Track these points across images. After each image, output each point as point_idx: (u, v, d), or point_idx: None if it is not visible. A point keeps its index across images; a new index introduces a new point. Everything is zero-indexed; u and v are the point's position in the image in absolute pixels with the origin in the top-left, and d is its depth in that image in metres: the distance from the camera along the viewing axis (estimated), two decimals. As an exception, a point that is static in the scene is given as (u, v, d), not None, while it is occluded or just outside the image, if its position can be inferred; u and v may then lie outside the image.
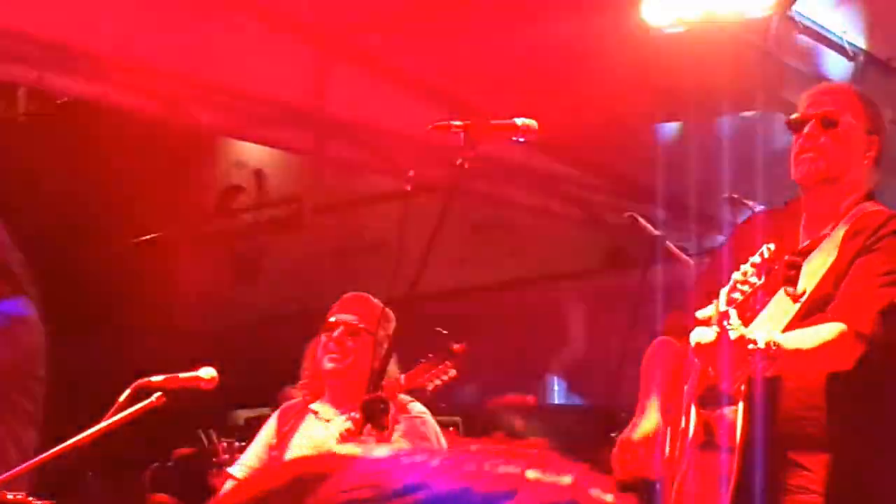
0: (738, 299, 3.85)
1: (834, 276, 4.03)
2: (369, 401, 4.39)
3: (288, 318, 9.52)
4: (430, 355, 4.96)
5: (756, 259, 3.86)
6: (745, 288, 3.85)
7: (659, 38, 6.69)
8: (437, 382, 4.96)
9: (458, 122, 4.35)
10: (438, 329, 5.00)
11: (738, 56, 7.05)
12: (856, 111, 4.27)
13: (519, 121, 4.34)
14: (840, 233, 4.16)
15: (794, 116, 4.30)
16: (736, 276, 3.89)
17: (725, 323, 3.79)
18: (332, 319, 5.28)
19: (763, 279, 3.81)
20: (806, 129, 4.22)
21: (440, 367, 4.93)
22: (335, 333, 5.23)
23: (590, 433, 4.94)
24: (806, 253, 4.17)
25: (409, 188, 4.89)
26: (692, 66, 7.13)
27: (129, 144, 10.21)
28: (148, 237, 14.30)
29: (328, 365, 5.19)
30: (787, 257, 4.04)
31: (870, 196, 4.27)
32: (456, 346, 4.92)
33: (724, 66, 6.94)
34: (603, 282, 10.21)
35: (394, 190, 9.20)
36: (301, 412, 5.30)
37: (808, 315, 3.97)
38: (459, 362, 4.93)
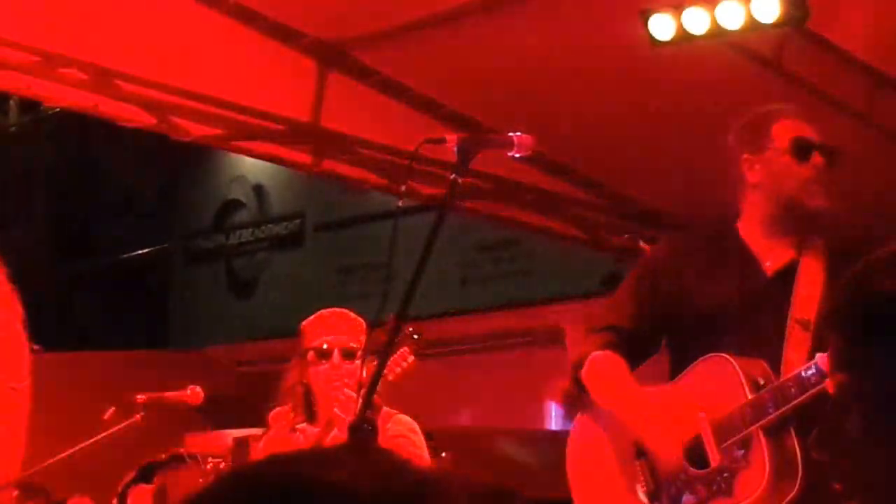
0: None
1: None
2: (357, 424, 4.23)
3: (283, 336, 9.34)
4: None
5: None
6: None
7: (665, 53, 6.55)
8: (398, 370, 4.81)
9: (451, 136, 4.18)
10: (393, 315, 4.85)
11: (746, 71, 6.92)
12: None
13: (515, 135, 4.18)
14: (817, 252, 4.13)
15: (800, 136, 4.15)
16: None
17: None
18: (324, 345, 5.09)
19: None
20: (814, 160, 4.14)
21: (398, 354, 4.77)
22: (333, 359, 5.05)
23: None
24: (781, 278, 4.10)
25: (400, 203, 4.74)
26: (699, 81, 7.02)
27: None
28: (143, 251, 14.22)
29: (342, 396, 4.99)
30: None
31: None
32: (412, 331, 4.77)
33: (732, 81, 6.81)
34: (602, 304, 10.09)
35: (401, 207, 9.05)
36: (286, 434, 5.15)
37: (820, 344, 3.88)
38: (418, 348, 4.77)
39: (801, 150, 4.13)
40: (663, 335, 4.33)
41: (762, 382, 3.96)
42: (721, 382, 4.03)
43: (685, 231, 4.45)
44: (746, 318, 4.10)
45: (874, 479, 1.71)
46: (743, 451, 3.96)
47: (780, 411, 3.88)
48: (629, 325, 4.32)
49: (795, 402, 3.83)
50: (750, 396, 3.96)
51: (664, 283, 4.26)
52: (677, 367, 4.26)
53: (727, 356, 4.02)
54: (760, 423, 3.92)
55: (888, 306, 1.70)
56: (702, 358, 4.12)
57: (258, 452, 5.28)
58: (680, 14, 6.39)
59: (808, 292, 4.05)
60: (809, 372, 3.80)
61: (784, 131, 4.17)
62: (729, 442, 4.00)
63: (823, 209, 4.14)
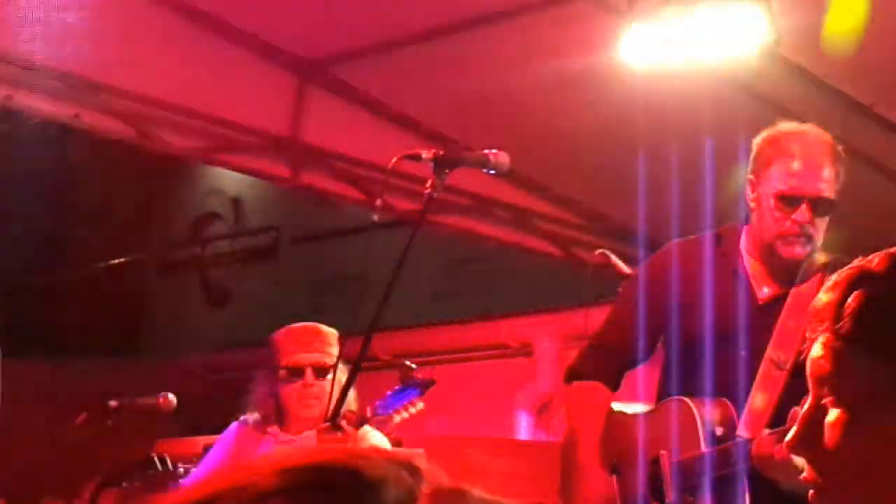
0: None
1: None
2: (324, 432, 4.29)
3: (256, 348, 9.39)
4: (398, 387, 4.88)
5: None
6: None
7: (641, 74, 6.61)
8: (405, 415, 4.90)
9: (427, 153, 4.25)
10: (406, 362, 4.92)
11: (721, 94, 6.99)
12: (837, 182, 4.14)
13: (490, 153, 4.25)
14: (811, 288, 4.07)
15: (785, 190, 4.10)
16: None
17: None
18: (296, 362, 5.12)
19: None
20: (798, 213, 4.08)
21: (410, 402, 4.87)
22: (306, 378, 5.09)
23: (555, 469, 4.88)
24: (771, 306, 4.13)
25: (376, 218, 4.83)
26: (674, 103, 7.07)
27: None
28: (119, 261, 14.19)
29: (310, 413, 5.04)
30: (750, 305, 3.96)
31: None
32: (425, 380, 4.85)
33: (706, 103, 6.87)
34: (573, 319, 10.14)
35: (376, 222, 9.10)
36: (259, 435, 5.20)
37: (795, 385, 3.84)
38: (427, 396, 4.88)
39: (788, 202, 4.13)
40: (657, 345, 4.34)
41: (719, 433, 4.01)
42: (681, 426, 4.08)
43: (688, 240, 4.42)
44: (725, 347, 4.09)
45: (854, 475, 1.74)
46: (692, 499, 4.03)
47: (722, 473, 3.95)
48: (625, 339, 4.33)
49: (734, 468, 3.90)
50: (703, 449, 4.02)
51: (661, 296, 4.24)
52: (662, 387, 4.31)
53: (688, 401, 4.08)
54: (707, 475, 3.99)
55: (868, 310, 1.75)
56: (666, 399, 4.18)
57: (218, 451, 5.33)
58: (656, 37, 6.45)
59: (791, 328, 4.04)
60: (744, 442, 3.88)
61: (779, 176, 4.09)
62: (680, 487, 4.07)
63: (799, 260, 4.12)
